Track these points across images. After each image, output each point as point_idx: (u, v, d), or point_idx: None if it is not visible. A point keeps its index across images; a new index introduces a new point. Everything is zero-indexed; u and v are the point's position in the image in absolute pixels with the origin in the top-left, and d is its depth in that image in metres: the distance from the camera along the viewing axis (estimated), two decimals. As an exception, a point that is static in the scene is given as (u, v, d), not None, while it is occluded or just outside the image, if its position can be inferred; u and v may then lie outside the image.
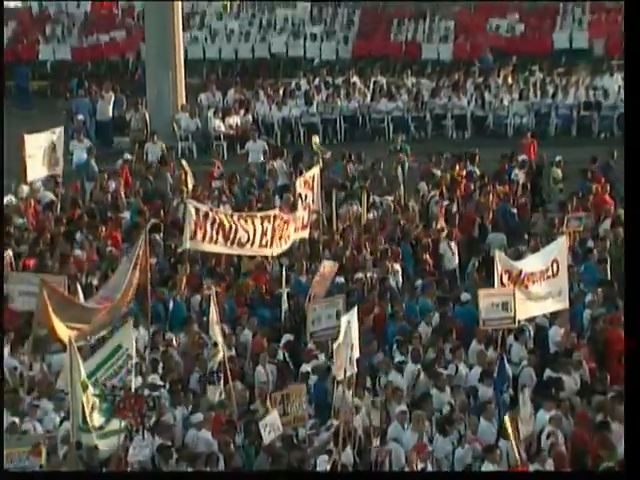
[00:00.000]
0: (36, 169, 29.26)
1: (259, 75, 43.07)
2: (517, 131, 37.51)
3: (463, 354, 21.81)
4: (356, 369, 19.05)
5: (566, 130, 38.32)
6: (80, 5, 48.71)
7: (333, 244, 26.41)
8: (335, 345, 19.11)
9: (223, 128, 37.49)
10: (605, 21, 46.16)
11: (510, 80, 40.10)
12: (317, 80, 41.18)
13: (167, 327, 22.90)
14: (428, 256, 26.16)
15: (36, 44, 46.77)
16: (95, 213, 28.86)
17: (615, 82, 39.45)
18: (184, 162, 31.78)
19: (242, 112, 38.40)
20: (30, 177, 29.27)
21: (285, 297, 23.64)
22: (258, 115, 38.76)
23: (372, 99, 39.50)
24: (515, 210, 29.01)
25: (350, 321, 18.85)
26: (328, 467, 18.36)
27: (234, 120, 37.90)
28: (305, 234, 25.51)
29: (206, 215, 23.61)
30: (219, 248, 24.06)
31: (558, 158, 31.70)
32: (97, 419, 18.31)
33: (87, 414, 18.26)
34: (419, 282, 24.96)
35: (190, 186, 30.27)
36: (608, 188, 29.74)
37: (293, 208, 26.16)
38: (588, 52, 44.95)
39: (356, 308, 19.67)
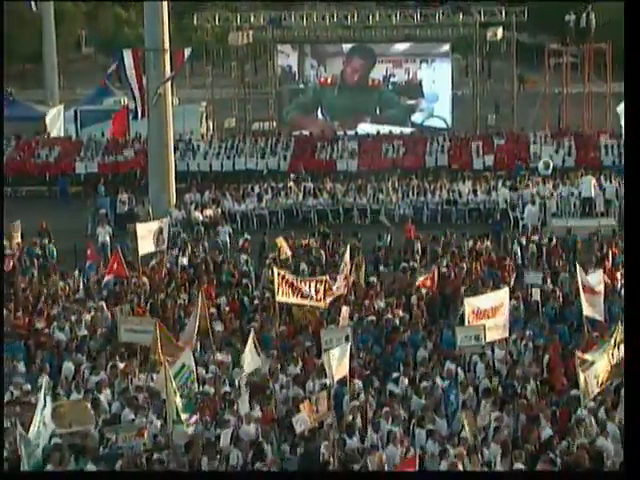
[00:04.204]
0: (146, 246, 30.01)
1: (226, 182, 43.90)
2: (401, 219, 39.22)
3: (441, 371, 22.17)
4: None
5: (434, 218, 40.11)
6: (104, 134, 49.47)
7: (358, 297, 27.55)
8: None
9: (201, 218, 38.71)
10: (460, 146, 47.77)
11: (396, 185, 41.82)
12: (265, 185, 42.36)
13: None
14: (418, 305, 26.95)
15: (73, 161, 47.67)
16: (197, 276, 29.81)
17: (466, 187, 41.25)
18: (280, 239, 32.50)
19: (214, 207, 39.83)
20: (141, 252, 29.79)
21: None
22: (225, 208, 40.00)
23: (303, 198, 41.17)
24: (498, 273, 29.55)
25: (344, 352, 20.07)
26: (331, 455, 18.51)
27: (209, 212, 39.19)
28: (340, 292, 26.85)
29: (283, 277, 25.43)
30: (290, 300, 25.67)
31: (535, 238, 33.26)
32: (183, 415, 19.02)
33: (179, 411, 18.91)
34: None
35: (284, 255, 31.39)
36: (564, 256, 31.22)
37: (334, 274, 27.28)
38: (447, 167, 46.36)
39: (349, 345, 20.96)
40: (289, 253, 31.72)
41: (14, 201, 43.85)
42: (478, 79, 53.77)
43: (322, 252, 32.34)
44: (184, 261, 31.60)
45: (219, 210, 39.88)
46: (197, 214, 39.26)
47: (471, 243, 32.61)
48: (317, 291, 25.84)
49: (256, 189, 42.08)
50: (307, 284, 25.80)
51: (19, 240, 34.15)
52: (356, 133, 49.80)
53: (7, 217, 35.09)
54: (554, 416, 19.97)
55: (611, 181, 41.00)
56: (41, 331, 25.31)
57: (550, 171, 42.95)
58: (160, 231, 30.64)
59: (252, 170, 46.79)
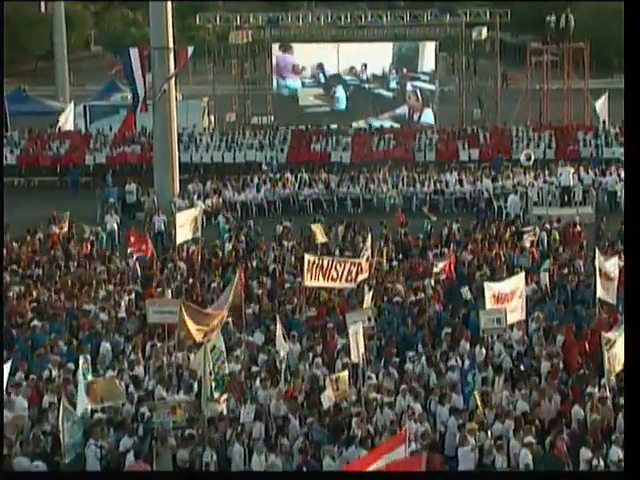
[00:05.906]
0: (184, 234, 29.87)
1: (226, 173, 43.69)
2: (391, 208, 39.14)
3: (460, 350, 22.25)
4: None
5: (422, 207, 39.84)
6: (112, 128, 49.16)
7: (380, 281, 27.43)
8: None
9: (203, 206, 37.46)
10: (447, 140, 47.34)
11: (387, 175, 41.48)
12: (263, 176, 42.28)
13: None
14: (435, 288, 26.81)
15: (83, 153, 47.18)
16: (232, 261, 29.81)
17: (453, 177, 40.92)
18: (314, 226, 31.90)
19: (215, 196, 39.74)
20: (179, 240, 29.83)
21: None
22: (226, 198, 39.78)
23: (299, 188, 40.93)
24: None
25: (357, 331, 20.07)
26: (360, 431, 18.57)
27: (210, 201, 39.18)
28: (366, 275, 26.45)
29: (314, 262, 25.16)
30: (320, 283, 25.53)
31: (556, 225, 32.83)
32: (216, 394, 19.28)
33: (212, 390, 19.13)
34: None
35: (319, 241, 30.78)
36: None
37: (361, 259, 26.65)
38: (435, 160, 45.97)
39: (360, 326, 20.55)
40: (323, 239, 31.35)
41: (26, 191, 44.16)
42: (464, 76, 54.19)
43: (360, 238, 31.77)
44: (229, 247, 31.44)
45: (220, 200, 39.76)
46: (199, 203, 38.67)
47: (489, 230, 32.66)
48: (349, 272, 25.63)
49: (255, 179, 41.95)
50: (341, 265, 25.60)
51: (65, 230, 34.07)
52: (350, 126, 49.68)
53: (20, 206, 35.13)
54: (562, 394, 19.96)
55: (588, 172, 41.10)
56: (85, 313, 25.36)
57: (531, 162, 43.12)
58: (195, 220, 30.49)
59: (251, 162, 46.55)
